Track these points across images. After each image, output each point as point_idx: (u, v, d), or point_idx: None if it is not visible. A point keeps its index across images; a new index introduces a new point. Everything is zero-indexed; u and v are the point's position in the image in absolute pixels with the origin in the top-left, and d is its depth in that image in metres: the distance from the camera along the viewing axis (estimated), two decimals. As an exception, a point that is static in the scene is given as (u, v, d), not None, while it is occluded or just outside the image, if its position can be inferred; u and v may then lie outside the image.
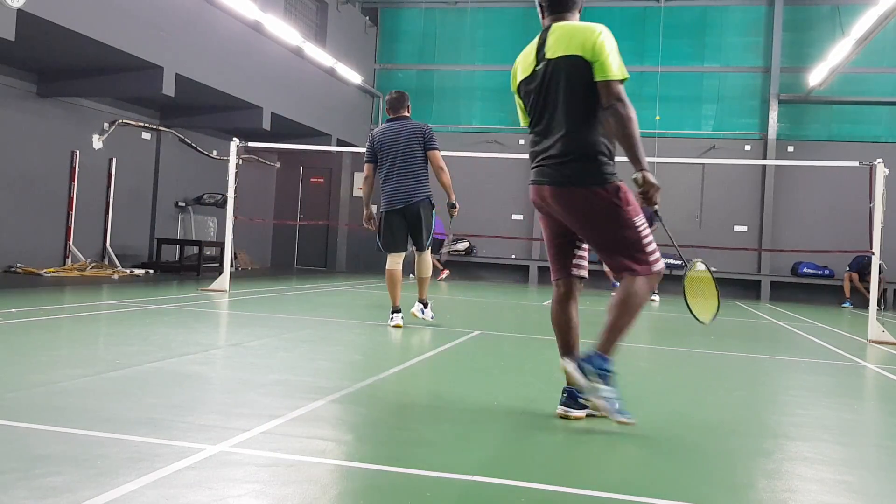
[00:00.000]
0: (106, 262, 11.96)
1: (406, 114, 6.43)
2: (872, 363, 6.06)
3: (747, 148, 16.27)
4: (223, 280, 9.26)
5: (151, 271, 11.92)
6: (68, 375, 3.62)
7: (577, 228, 3.26)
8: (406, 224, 6.30)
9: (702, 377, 4.97)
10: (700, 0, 16.64)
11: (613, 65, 3.10)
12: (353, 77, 16.06)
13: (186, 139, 12.25)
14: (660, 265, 3.20)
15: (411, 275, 13.82)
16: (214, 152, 13.13)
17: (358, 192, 17.63)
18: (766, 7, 16.31)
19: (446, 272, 15.36)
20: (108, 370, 3.81)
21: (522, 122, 3.49)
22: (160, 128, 12.37)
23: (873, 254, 7.67)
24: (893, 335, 7.57)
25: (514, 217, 16.58)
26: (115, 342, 4.90)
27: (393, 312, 6.32)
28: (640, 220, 3.17)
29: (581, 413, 3.24)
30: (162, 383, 3.56)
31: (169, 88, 10.25)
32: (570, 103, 3.16)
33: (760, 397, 4.36)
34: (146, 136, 13.14)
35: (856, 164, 8.50)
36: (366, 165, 6.39)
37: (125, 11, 9.37)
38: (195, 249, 13.10)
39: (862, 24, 11.72)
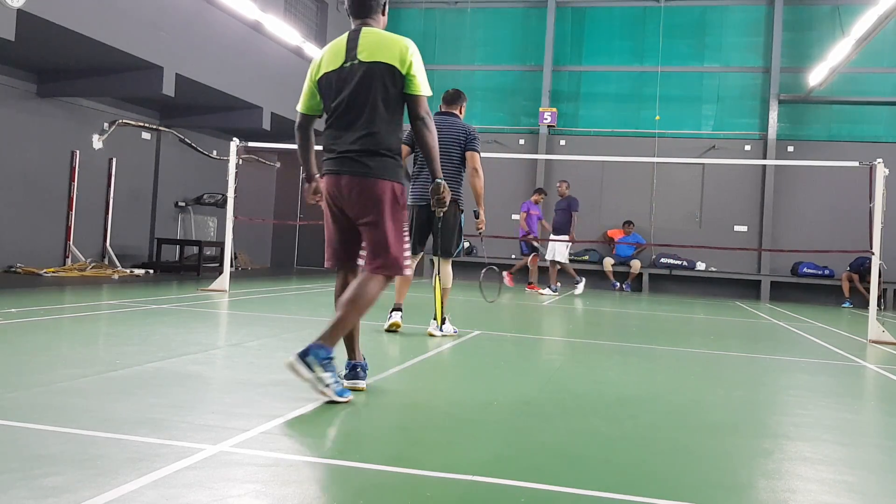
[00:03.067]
0: (106, 262, 11.96)
1: (458, 113, 6.22)
2: (872, 363, 6.06)
3: (747, 148, 16.27)
4: (223, 280, 9.26)
5: (151, 271, 11.92)
6: (68, 375, 3.62)
7: (362, 219, 3.49)
8: (429, 224, 5.99)
9: (702, 377, 4.97)
10: (700, 0, 16.63)
11: (424, 82, 3.55)
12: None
13: (186, 139, 12.24)
14: (409, 271, 3.60)
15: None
16: (214, 152, 13.13)
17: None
18: (766, 7, 16.30)
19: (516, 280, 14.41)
20: (108, 370, 3.81)
21: (304, 106, 3.68)
22: (160, 128, 12.36)
23: (873, 254, 7.67)
24: (893, 335, 7.57)
25: (514, 217, 16.55)
26: (115, 342, 4.90)
27: (393, 310, 6.00)
28: (406, 226, 3.59)
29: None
30: (162, 383, 3.56)
31: (169, 88, 10.25)
32: (379, 106, 3.47)
33: (760, 397, 4.36)
34: (146, 136, 13.14)
35: (856, 164, 8.50)
36: (403, 146, 6.15)
37: (125, 11, 9.37)
38: (195, 249, 13.09)
39: (862, 24, 11.72)
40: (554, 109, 16.61)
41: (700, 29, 16.65)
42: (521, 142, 17.13)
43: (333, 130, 3.55)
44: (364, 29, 3.57)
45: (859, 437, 3.47)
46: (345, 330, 3.41)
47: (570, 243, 13.43)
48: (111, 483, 2.12)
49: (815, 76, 14.62)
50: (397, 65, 3.47)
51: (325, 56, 3.60)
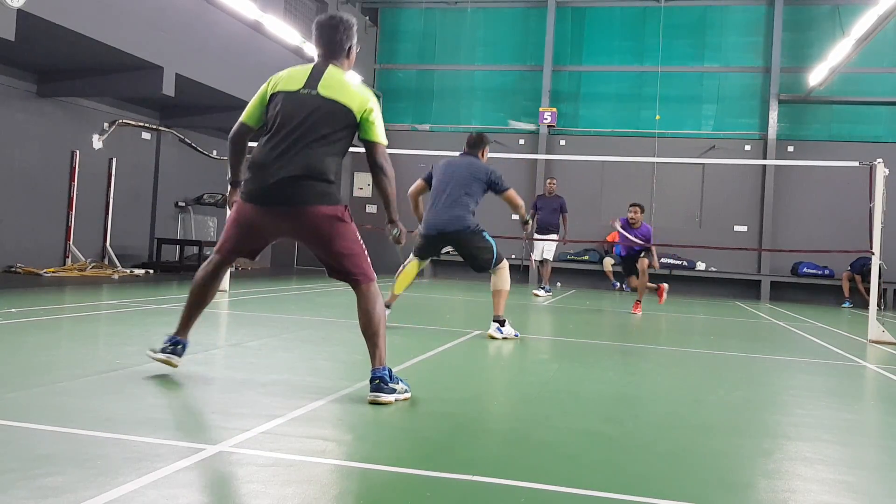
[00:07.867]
0: (106, 262, 11.96)
1: (478, 154, 6.44)
2: (872, 363, 6.06)
3: (747, 148, 16.27)
4: (223, 280, 9.25)
5: (151, 271, 11.91)
6: (68, 375, 3.62)
7: (310, 243, 3.57)
8: (436, 248, 6.39)
9: (702, 377, 4.97)
10: (700, 0, 16.63)
11: (382, 131, 3.59)
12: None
13: (186, 139, 12.22)
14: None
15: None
16: (214, 152, 13.11)
17: (358, 192, 17.73)
18: (766, 7, 16.30)
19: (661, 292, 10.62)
20: (108, 370, 3.81)
21: (250, 117, 3.70)
22: (160, 128, 12.34)
23: (873, 254, 7.67)
24: (893, 335, 7.57)
25: (514, 217, 16.52)
26: (115, 342, 4.90)
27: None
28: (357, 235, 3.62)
29: (390, 398, 3.38)
30: (162, 383, 3.56)
31: (169, 88, 10.24)
32: (322, 141, 3.45)
33: (760, 397, 4.36)
34: (146, 136, 13.14)
35: (856, 164, 8.49)
36: (419, 180, 6.49)
37: (125, 11, 9.36)
38: (195, 249, 13.08)
39: (862, 24, 11.72)
40: (554, 109, 16.60)
41: (700, 29, 16.64)
42: (521, 142, 17.12)
43: (269, 150, 3.49)
44: (332, 67, 3.59)
45: (859, 437, 3.47)
46: (384, 342, 3.49)
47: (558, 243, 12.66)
48: (111, 483, 2.12)
49: (815, 76, 14.62)
50: (354, 109, 3.49)
51: (283, 75, 3.62)
